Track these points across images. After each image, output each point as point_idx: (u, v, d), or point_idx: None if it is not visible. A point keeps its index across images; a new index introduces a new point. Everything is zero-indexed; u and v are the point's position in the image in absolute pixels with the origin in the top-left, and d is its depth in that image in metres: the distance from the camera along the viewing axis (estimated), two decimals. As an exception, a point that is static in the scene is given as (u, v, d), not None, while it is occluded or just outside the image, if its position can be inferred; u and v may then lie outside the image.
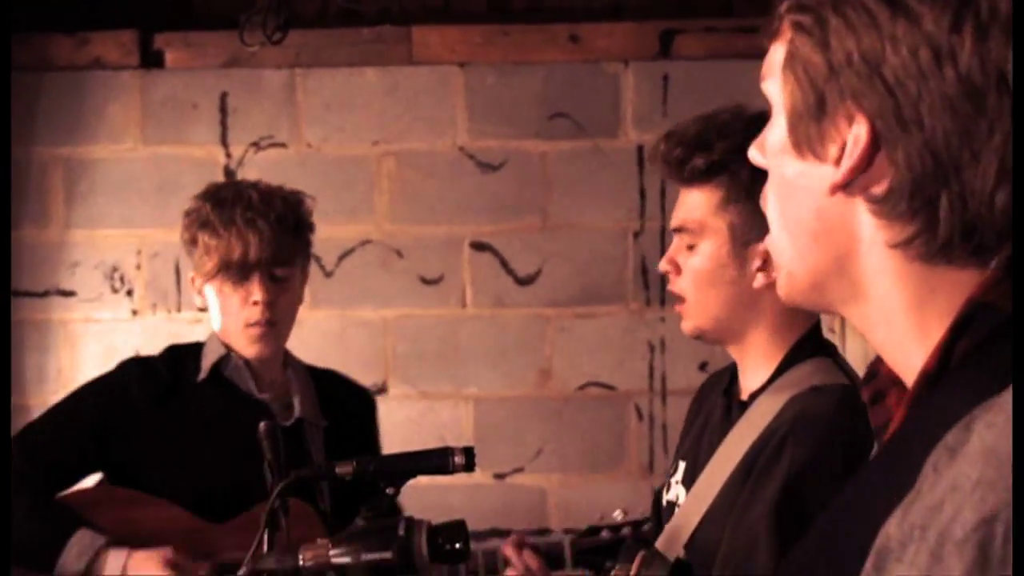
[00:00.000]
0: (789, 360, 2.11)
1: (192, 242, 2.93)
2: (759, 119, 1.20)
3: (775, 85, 1.09)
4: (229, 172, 4.43)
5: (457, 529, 1.79)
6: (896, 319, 1.05)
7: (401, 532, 1.73)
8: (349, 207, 4.45)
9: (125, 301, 4.47)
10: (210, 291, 2.93)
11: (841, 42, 1.01)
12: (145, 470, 2.87)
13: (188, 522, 2.84)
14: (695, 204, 2.13)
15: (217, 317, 2.96)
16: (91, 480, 2.97)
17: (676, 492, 2.28)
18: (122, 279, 4.46)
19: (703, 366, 4.37)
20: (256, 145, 4.46)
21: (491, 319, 4.46)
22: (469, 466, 2.15)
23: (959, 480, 0.86)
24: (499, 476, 4.46)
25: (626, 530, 2.81)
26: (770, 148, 1.10)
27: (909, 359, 1.04)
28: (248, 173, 4.39)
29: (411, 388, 4.48)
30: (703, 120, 2.13)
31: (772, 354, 2.13)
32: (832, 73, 1.02)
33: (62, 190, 4.44)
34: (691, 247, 2.15)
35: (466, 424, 4.47)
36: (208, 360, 2.96)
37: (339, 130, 4.47)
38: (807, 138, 1.05)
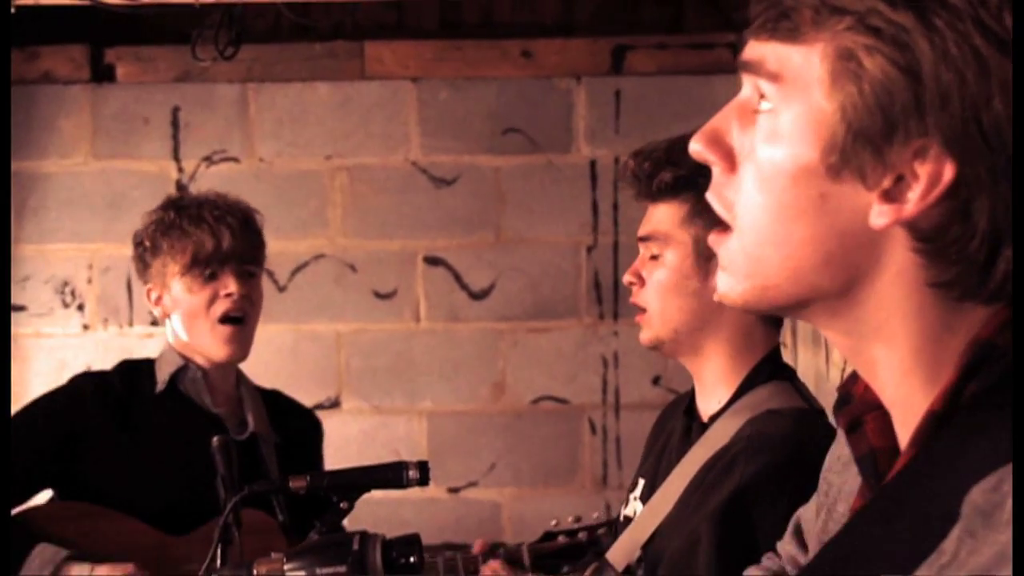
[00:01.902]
0: (747, 383, 2.13)
1: (153, 250, 2.90)
2: None
3: (796, 91, 0.99)
4: (181, 187, 4.41)
5: (411, 543, 1.79)
6: (903, 352, 1.00)
7: (356, 546, 1.73)
8: (302, 221, 4.45)
9: (76, 316, 4.45)
10: (175, 294, 2.89)
11: (937, 76, 0.92)
12: (102, 484, 2.83)
13: (148, 535, 2.81)
14: (662, 217, 2.16)
15: (180, 324, 2.92)
16: (42, 497, 2.93)
17: (634, 507, 2.31)
18: (73, 294, 4.43)
19: (656, 380, 4.39)
20: (208, 160, 4.44)
21: (445, 333, 4.46)
22: (423, 480, 2.17)
23: (1007, 550, 0.82)
24: (453, 490, 4.46)
25: (582, 535, 2.85)
26: (769, 162, 1.00)
27: (908, 392, 1.01)
28: (200, 188, 4.32)
29: (365, 403, 4.47)
30: (672, 140, 2.13)
31: (730, 376, 2.14)
32: (918, 105, 0.93)
33: (13, 204, 4.39)
34: (655, 257, 2.17)
35: (420, 438, 4.47)
36: (165, 371, 2.93)
37: (292, 145, 4.46)
38: (855, 163, 0.96)
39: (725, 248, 1.06)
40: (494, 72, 4.42)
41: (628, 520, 2.31)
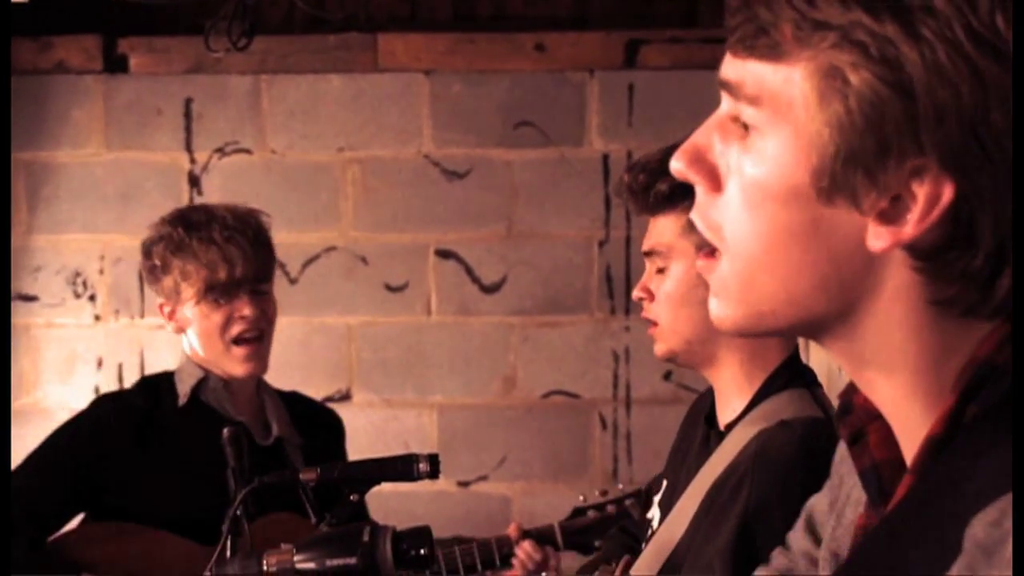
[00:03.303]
0: (763, 391, 2.12)
1: (164, 269, 2.89)
2: None
3: (778, 113, 0.94)
4: (193, 178, 4.42)
5: (422, 535, 1.79)
6: (904, 374, 0.98)
7: (366, 538, 1.73)
8: (314, 214, 4.45)
9: (88, 306, 4.46)
10: (189, 315, 2.90)
11: (930, 91, 0.87)
12: (132, 503, 2.84)
13: (182, 548, 2.82)
14: (663, 229, 2.16)
15: (196, 341, 2.93)
16: (75, 522, 2.94)
17: (654, 513, 2.32)
18: (85, 284, 4.44)
19: (667, 375, 4.39)
20: (221, 151, 4.45)
21: (456, 327, 4.47)
22: (434, 473, 2.15)
23: None
24: (463, 484, 4.47)
25: (610, 508, 2.89)
26: (755, 186, 0.96)
27: (908, 414, 0.99)
28: (212, 179, 4.39)
29: (375, 395, 4.48)
30: (666, 149, 2.08)
31: (745, 385, 2.14)
32: (911, 123, 0.88)
33: (25, 195, 4.42)
34: (661, 271, 2.17)
35: (430, 432, 4.48)
36: (186, 384, 2.95)
37: (304, 137, 4.46)
38: (847, 184, 0.92)
39: (716, 275, 1.02)
40: (507, 65, 4.42)
41: (648, 524, 2.33)
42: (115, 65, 4.43)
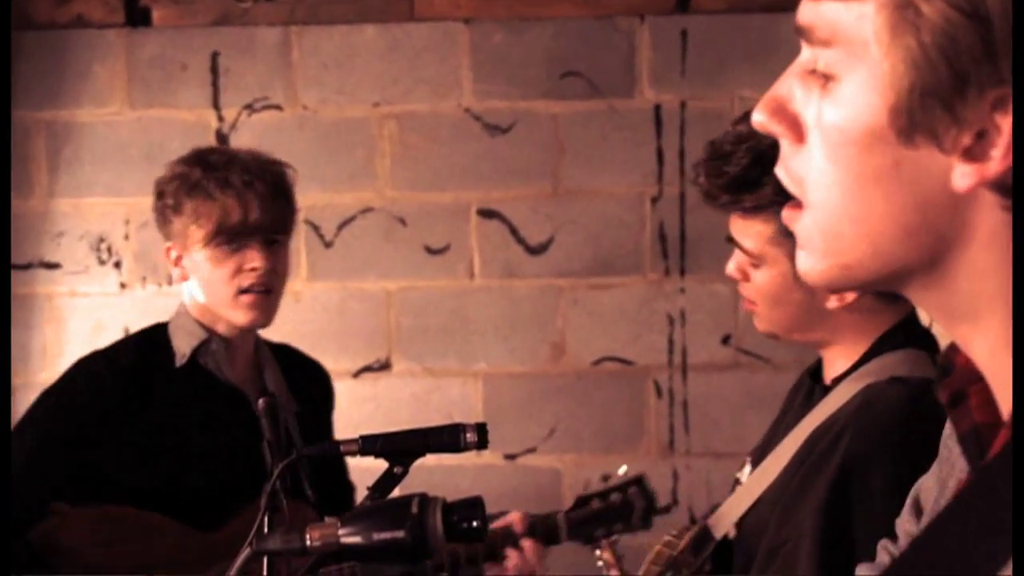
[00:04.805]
0: (876, 348, 2.13)
1: (175, 208, 2.91)
2: None
3: (853, 54, 0.95)
4: (221, 136, 4.44)
5: (474, 507, 1.79)
6: (996, 320, 0.98)
7: (415, 510, 1.74)
8: (348, 173, 4.46)
9: (113, 274, 4.49)
10: (197, 260, 2.91)
11: (1005, 15, 0.87)
12: (125, 476, 2.85)
13: (175, 533, 2.83)
14: (750, 234, 2.16)
15: (199, 289, 2.94)
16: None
17: (744, 471, 2.34)
18: (109, 250, 4.48)
19: (726, 339, 4.39)
20: (250, 108, 4.47)
21: (500, 291, 4.48)
22: (482, 443, 2.18)
23: None
24: (510, 457, 4.48)
25: (614, 497, 2.92)
26: (837, 131, 0.98)
27: (1003, 364, 0.98)
28: (241, 137, 4.40)
29: (416, 364, 4.50)
30: (746, 148, 2.09)
31: (857, 344, 2.16)
32: (988, 51, 0.88)
33: (45, 157, 4.45)
34: (755, 265, 2.19)
35: (475, 402, 4.49)
36: (185, 343, 2.95)
37: (337, 91, 4.47)
38: (929, 124, 0.92)
39: (800, 225, 1.04)
40: (551, 12, 4.41)
41: (736, 483, 2.35)
42: (137, 18, 4.44)
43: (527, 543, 2.87)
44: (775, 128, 1.03)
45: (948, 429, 1.27)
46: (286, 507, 2.21)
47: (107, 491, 2.85)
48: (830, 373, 2.21)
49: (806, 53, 1.01)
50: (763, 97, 1.04)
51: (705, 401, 4.43)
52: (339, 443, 2.21)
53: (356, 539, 1.74)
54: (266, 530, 2.03)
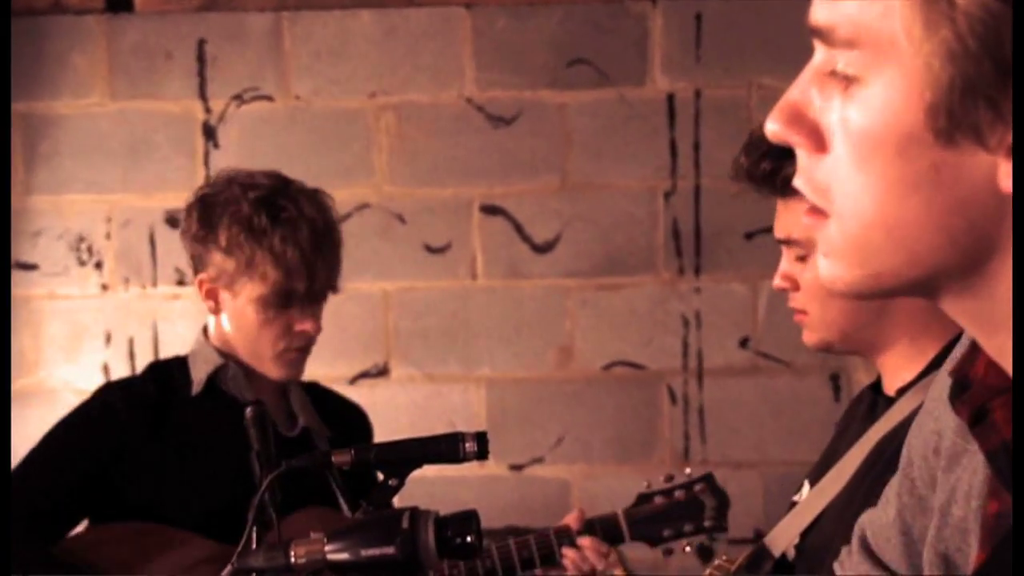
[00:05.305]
0: (942, 357, 2.07)
1: (228, 250, 2.84)
2: None
3: (880, 53, 0.94)
4: (208, 129, 4.43)
5: (468, 520, 1.77)
6: None
7: (405, 525, 1.72)
8: (344, 168, 4.44)
9: (93, 275, 4.47)
10: (240, 308, 2.88)
11: None
12: (147, 501, 2.86)
13: (202, 547, 2.83)
14: (795, 219, 2.16)
15: (235, 334, 2.92)
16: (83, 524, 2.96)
17: (804, 491, 2.33)
18: (90, 250, 4.46)
19: (744, 342, 4.38)
20: (239, 99, 4.45)
21: (505, 291, 4.46)
22: (482, 453, 2.14)
23: None
24: (516, 467, 4.47)
25: (679, 493, 2.89)
26: (866, 135, 0.95)
27: None
28: (230, 130, 4.39)
29: (416, 370, 4.48)
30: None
31: (918, 356, 2.15)
32: None
33: (21, 151, 4.44)
34: (802, 258, 2.19)
35: (478, 410, 4.48)
36: (202, 371, 2.95)
37: (331, 81, 4.46)
38: (971, 121, 0.90)
39: (825, 234, 1.01)
40: (558, -5, 4.40)
41: (793, 505, 2.33)
42: (118, 3, 4.43)
43: (585, 541, 2.86)
44: (793, 138, 1.01)
45: (916, 448, 1.29)
46: (276, 521, 2.19)
47: (132, 516, 2.86)
48: (894, 383, 2.19)
49: (821, 54, 0.99)
50: (776, 105, 1.02)
51: (722, 408, 4.41)
52: (330, 453, 2.19)
53: (343, 556, 1.74)
54: (253, 546, 2.02)
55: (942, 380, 1.22)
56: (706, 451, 4.41)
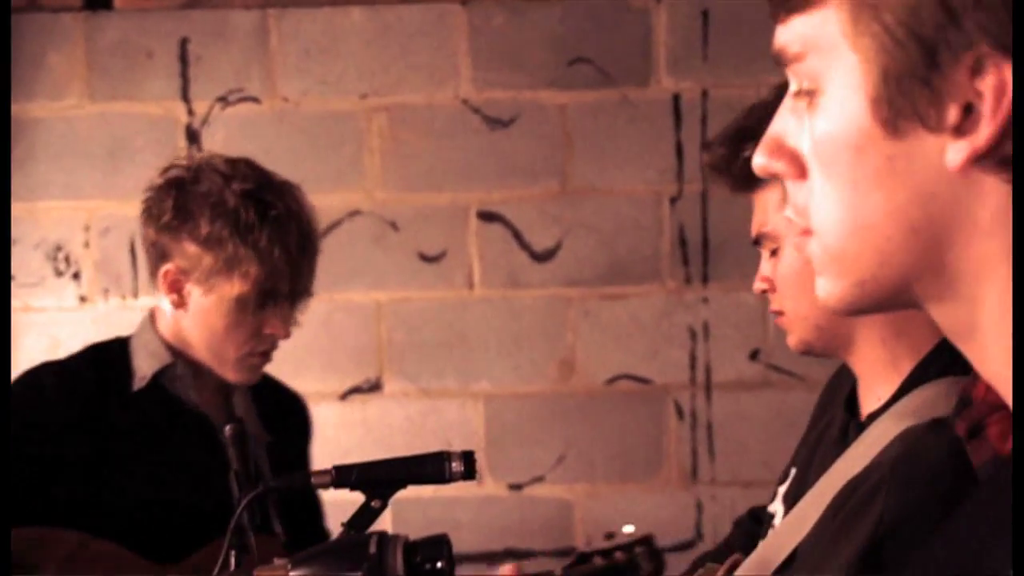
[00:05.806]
0: (915, 378, 2.13)
1: (206, 242, 2.76)
2: None
3: (825, 59, 1.01)
4: (192, 132, 4.42)
5: (438, 545, 1.78)
6: (1004, 329, 1.01)
7: (373, 549, 1.72)
8: (334, 172, 4.44)
9: (71, 286, 4.47)
10: (207, 306, 2.81)
11: None
12: (74, 508, 2.75)
13: (133, 568, 2.75)
14: (764, 207, 2.22)
15: (195, 331, 2.84)
16: None
17: (777, 507, 2.37)
18: (67, 260, 4.46)
19: (754, 355, 4.37)
20: (223, 100, 4.45)
21: (503, 302, 4.46)
22: (469, 473, 2.17)
23: None
24: (515, 487, 4.46)
25: (619, 554, 2.93)
26: (827, 141, 1.02)
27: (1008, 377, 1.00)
28: (214, 133, 4.39)
29: (410, 384, 4.47)
30: (746, 113, 2.18)
31: (893, 368, 2.17)
32: (950, 14, 0.93)
33: (-5, 155, 4.43)
34: (775, 253, 2.24)
35: (476, 426, 4.47)
36: (146, 366, 2.86)
37: (321, 81, 4.46)
38: (910, 106, 0.96)
39: (811, 252, 1.08)
40: (558, -9, 4.39)
41: (771, 518, 2.37)
42: (97, 0, 4.42)
43: None
44: (776, 167, 1.09)
45: None
46: (254, 543, 2.19)
47: (56, 514, 2.75)
48: (866, 406, 2.21)
49: (792, 83, 1.06)
50: (761, 140, 1.10)
51: (732, 424, 4.41)
52: (311, 474, 2.21)
53: (308, 583, 1.72)
54: (232, 567, 2.03)
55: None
56: (715, 469, 4.41)
